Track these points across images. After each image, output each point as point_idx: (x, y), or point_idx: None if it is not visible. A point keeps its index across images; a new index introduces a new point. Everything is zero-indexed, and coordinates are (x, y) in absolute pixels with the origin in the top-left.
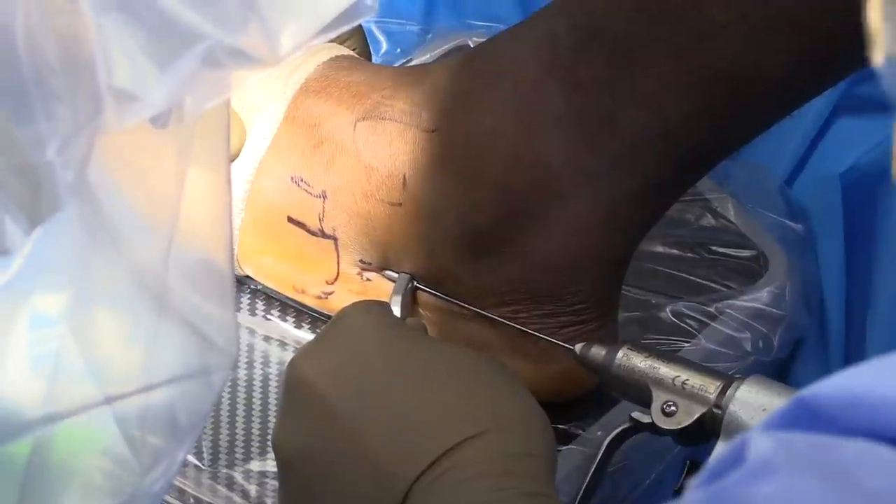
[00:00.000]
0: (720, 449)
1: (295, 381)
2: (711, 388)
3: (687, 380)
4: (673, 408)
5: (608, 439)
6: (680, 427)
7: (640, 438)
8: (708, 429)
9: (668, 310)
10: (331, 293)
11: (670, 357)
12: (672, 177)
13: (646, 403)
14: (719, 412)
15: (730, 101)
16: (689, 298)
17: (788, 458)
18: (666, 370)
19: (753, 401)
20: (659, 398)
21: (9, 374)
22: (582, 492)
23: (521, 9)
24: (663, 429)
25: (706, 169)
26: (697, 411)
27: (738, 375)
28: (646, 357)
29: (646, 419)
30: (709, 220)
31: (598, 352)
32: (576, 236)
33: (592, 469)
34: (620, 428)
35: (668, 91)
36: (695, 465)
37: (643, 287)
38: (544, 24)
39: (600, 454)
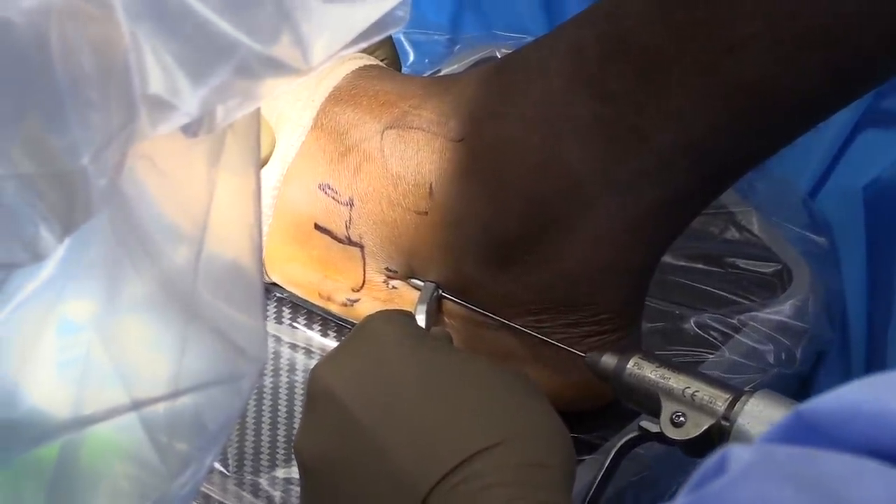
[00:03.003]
0: None
1: (317, 389)
2: (720, 400)
3: (696, 391)
4: (682, 418)
5: (616, 447)
6: (688, 438)
7: (661, 451)
8: (716, 441)
9: (691, 321)
10: (356, 300)
11: (681, 368)
12: (697, 188)
13: (655, 413)
14: (727, 425)
15: (756, 113)
16: (713, 310)
17: (767, 469)
18: (676, 381)
19: (761, 415)
20: (668, 408)
21: (37, 378)
22: (588, 499)
23: (548, 20)
24: (671, 439)
25: (731, 181)
26: (706, 423)
27: (747, 389)
28: (656, 367)
29: (654, 428)
30: (733, 234)
31: (609, 360)
32: (601, 247)
33: (599, 476)
34: (629, 436)
35: (695, 103)
36: None
37: (666, 299)
38: (571, 36)
39: (608, 462)
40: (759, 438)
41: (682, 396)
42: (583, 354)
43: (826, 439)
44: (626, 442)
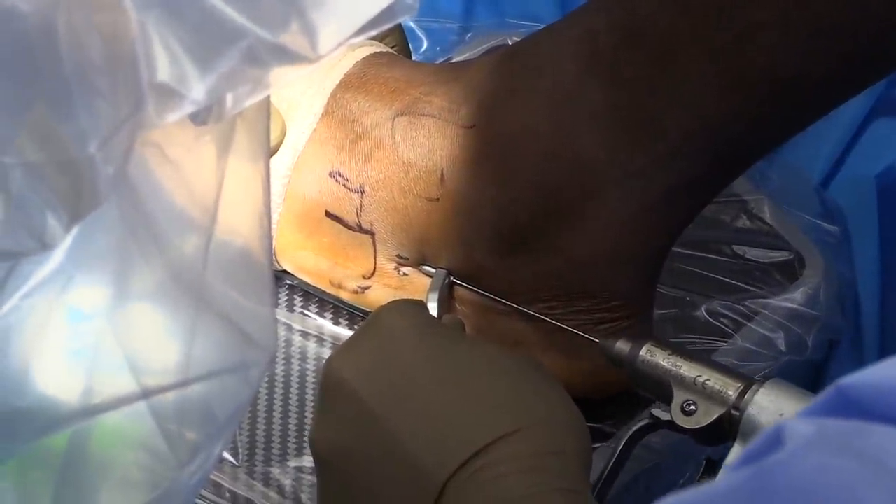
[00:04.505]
0: (736, 451)
1: (331, 381)
2: (731, 389)
3: (708, 380)
4: (693, 407)
5: (628, 434)
6: (698, 427)
7: (673, 440)
8: (726, 430)
9: (703, 309)
10: (367, 288)
11: (693, 356)
12: (710, 175)
13: (666, 400)
14: (737, 414)
15: (770, 100)
16: (724, 298)
17: (824, 441)
18: (688, 369)
19: (771, 405)
20: (679, 396)
21: (47, 367)
22: (600, 485)
23: (561, 7)
24: (682, 427)
25: (744, 167)
26: (716, 412)
27: (758, 378)
28: (669, 354)
29: (665, 416)
30: (744, 222)
31: (622, 346)
32: (612, 233)
33: (610, 464)
34: (639, 424)
35: (708, 90)
36: (712, 464)
37: (677, 287)
38: (584, 22)
39: (619, 449)
40: (802, 411)
41: (694, 385)
42: (592, 338)
43: (865, 414)
44: (637, 430)
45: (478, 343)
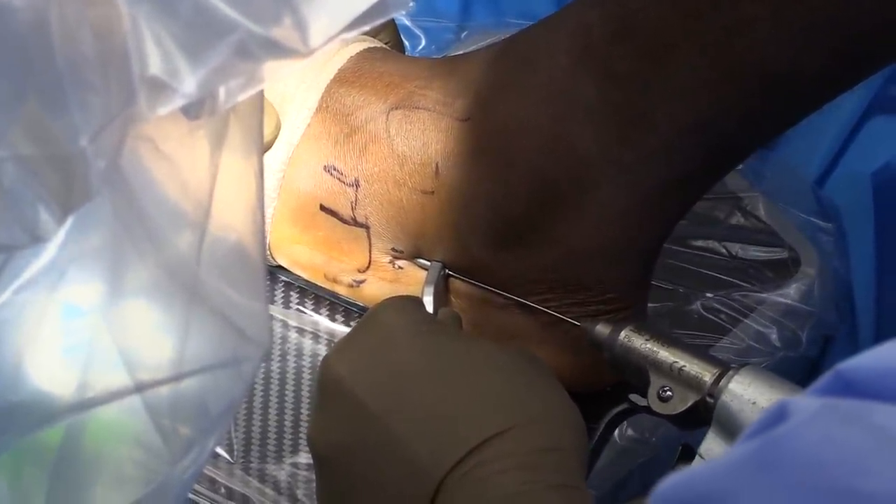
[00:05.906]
0: (711, 438)
1: (328, 379)
2: (707, 375)
3: (684, 366)
4: (669, 392)
5: (606, 419)
6: (674, 413)
7: (669, 434)
8: (702, 415)
9: (697, 304)
10: (363, 281)
11: (671, 341)
12: (703, 169)
13: (644, 386)
14: (712, 401)
15: (761, 94)
16: (719, 293)
17: (829, 415)
18: (665, 355)
19: (744, 393)
20: (656, 382)
21: (41, 362)
22: None
23: (557, 6)
24: (658, 413)
25: (738, 161)
26: (691, 399)
27: (733, 365)
28: (646, 340)
29: (643, 402)
30: (738, 219)
31: (602, 329)
32: (606, 226)
33: (589, 449)
34: (617, 409)
35: (701, 84)
36: (688, 449)
37: (672, 283)
38: (578, 16)
39: (597, 434)
40: (807, 392)
41: (670, 371)
42: (577, 323)
43: (866, 395)
44: (615, 415)
45: (474, 339)
